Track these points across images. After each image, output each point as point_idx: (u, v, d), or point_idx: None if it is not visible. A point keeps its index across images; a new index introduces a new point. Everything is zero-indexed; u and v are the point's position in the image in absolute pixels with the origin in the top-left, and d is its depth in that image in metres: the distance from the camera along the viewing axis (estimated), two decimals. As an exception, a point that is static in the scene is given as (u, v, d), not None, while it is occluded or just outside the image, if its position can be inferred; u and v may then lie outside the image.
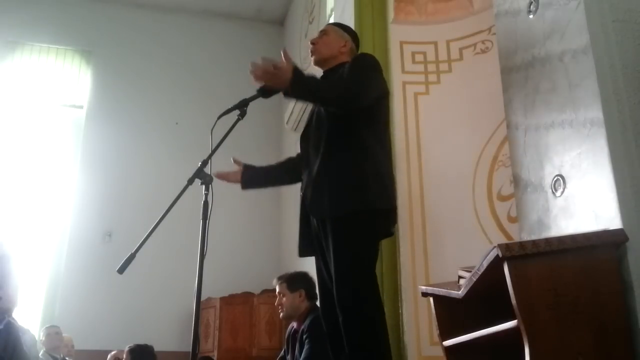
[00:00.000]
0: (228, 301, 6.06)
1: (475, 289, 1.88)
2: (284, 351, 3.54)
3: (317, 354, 3.00)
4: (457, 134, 3.80)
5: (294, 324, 3.43)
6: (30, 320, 5.86)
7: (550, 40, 2.07)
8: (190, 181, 2.09)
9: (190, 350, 1.93)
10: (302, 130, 2.48)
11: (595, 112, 1.82)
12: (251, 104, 2.29)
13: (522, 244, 1.64)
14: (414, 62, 4.01)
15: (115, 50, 7.23)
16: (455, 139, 3.79)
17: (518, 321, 1.60)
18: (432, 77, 3.98)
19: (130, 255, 1.97)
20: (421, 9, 4.04)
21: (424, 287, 2.32)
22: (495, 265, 1.67)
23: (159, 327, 6.05)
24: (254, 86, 2.34)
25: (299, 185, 2.44)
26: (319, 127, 2.31)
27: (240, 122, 2.24)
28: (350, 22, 3.90)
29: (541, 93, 2.11)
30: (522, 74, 2.24)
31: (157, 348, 4.83)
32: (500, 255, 1.61)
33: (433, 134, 3.85)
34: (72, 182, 6.69)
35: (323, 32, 2.53)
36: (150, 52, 7.28)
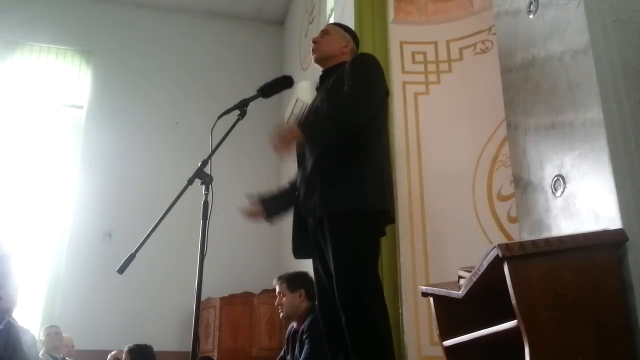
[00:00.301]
0: (228, 301, 6.05)
1: (475, 289, 1.88)
2: (284, 351, 3.54)
3: (317, 354, 2.99)
4: (457, 134, 3.80)
5: (294, 324, 3.43)
6: (30, 320, 5.86)
7: (550, 40, 2.07)
8: (190, 181, 2.09)
9: (190, 350, 1.93)
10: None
11: (595, 112, 1.82)
12: (251, 104, 2.29)
13: (522, 244, 1.63)
14: (414, 62, 4.01)
15: (115, 50, 7.23)
16: (455, 139, 3.79)
17: (518, 321, 1.60)
18: (432, 77, 3.98)
19: (130, 255, 1.97)
20: (421, 9, 4.04)
21: (424, 287, 2.32)
22: (495, 265, 1.67)
23: (159, 327, 6.05)
24: (254, 86, 2.34)
25: (299, 186, 2.42)
26: None
27: (240, 122, 2.24)
28: (350, 22, 3.89)
29: (541, 93, 2.11)
30: (522, 74, 2.24)
31: (157, 348, 4.83)
32: (500, 255, 1.61)
33: (433, 134, 3.85)
34: (72, 182, 6.68)
35: (325, 32, 2.54)
36: (150, 52, 7.28)
